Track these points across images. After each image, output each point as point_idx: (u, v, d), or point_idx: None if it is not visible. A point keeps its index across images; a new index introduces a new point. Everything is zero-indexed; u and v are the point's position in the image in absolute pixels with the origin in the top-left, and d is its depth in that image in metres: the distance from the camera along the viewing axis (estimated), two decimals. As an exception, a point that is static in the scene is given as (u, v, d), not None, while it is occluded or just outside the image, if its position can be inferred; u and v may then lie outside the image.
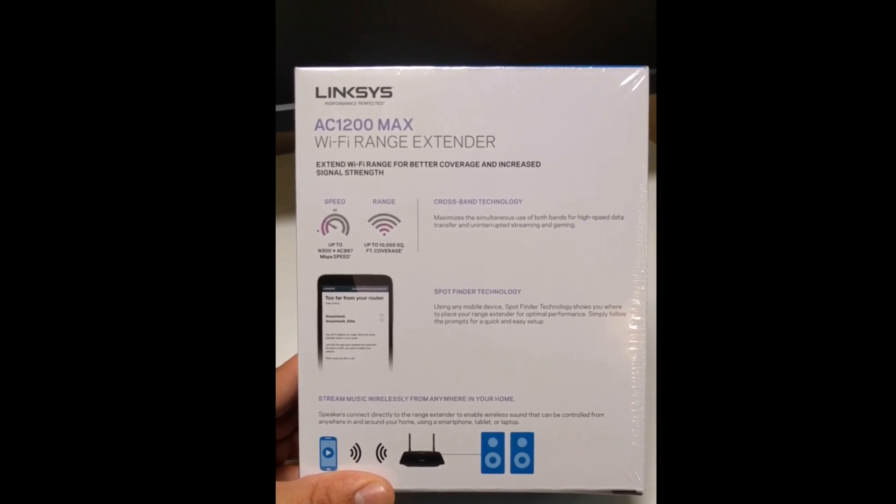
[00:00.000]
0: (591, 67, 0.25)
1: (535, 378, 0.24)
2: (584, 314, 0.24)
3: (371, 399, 0.25)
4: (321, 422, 0.25)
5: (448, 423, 0.25)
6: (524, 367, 0.24)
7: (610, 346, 0.24)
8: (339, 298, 0.25)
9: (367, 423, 0.25)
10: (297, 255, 0.25)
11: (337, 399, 0.25)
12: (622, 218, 0.24)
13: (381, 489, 0.23)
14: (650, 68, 0.24)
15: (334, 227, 0.25)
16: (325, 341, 0.25)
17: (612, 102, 0.24)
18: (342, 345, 0.25)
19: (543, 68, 0.25)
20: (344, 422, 0.25)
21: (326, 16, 0.41)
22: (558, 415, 0.24)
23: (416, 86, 0.25)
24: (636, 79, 0.24)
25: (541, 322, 0.25)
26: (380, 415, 0.25)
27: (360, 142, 0.25)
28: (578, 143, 0.25)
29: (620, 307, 0.24)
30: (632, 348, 0.24)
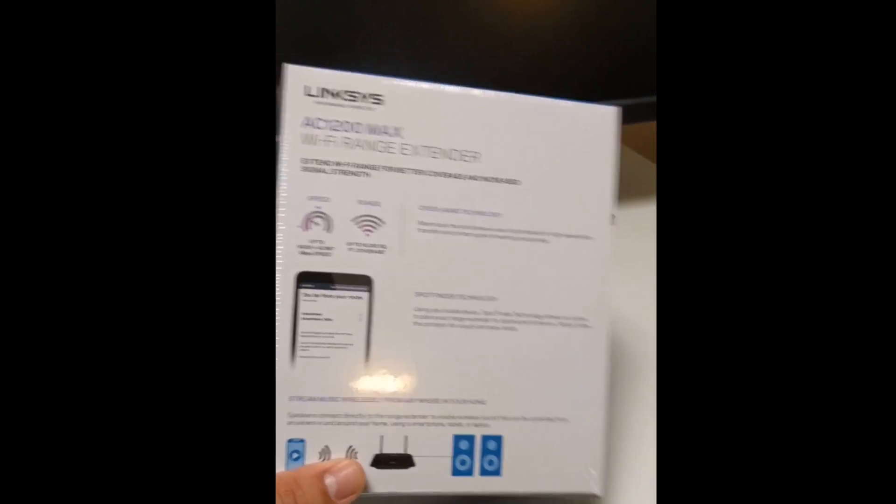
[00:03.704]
0: (567, 101, 0.27)
1: (507, 382, 0.26)
2: (553, 324, 0.26)
3: (344, 399, 0.24)
4: (290, 423, 0.24)
5: (421, 424, 0.25)
6: (498, 371, 0.25)
7: (576, 356, 0.26)
8: (317, 296, 0.25)
9: (339, 424, 0.24)
10: (277, 250, 0.24)
11: (308, 399, 0.24)
12: (590, 238, 0.27)
13: (352, 469, 0.23)
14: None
15: (317, 223, 0.25)
16: (299, 339, 0.24)
17: (584, 135, 0.27)
18: (317, 343, 0.24)
19: (526, 97, 0.27)
20: (314, 423, 0.24)
21: (315, 20, 0.41)
22: (526, 419, 0.25)
23: (409, 98, 0.26)
24: (605, 117, 0.27)
25: (514, 329, 0.26)
26: (352, 416, 0.24)
27: (347, 143, 0.25)
28: (553, 168, 0.27)
29: (587, 320, 0.26)
30: (595, 358, 0.26)
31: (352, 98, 0.26)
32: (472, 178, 0.26)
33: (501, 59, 0.46)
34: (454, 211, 0.26)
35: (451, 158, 0.26)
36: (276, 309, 0.24)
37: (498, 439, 0.25)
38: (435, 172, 0.26)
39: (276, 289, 0.24)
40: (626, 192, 0.63)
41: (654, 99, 0.43)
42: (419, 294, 0.25)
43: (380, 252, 0.25)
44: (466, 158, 0.26)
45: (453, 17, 0.45)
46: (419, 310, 0.25)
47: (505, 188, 0.26)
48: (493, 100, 0.26)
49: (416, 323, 0.25)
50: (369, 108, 0.26)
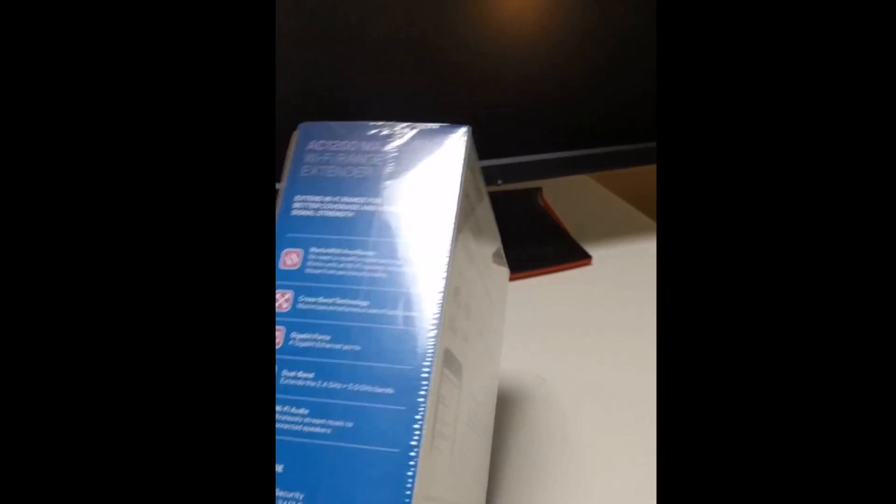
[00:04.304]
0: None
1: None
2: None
3: (429, 499, 0.21)
4: (421, 532, 0.19)
5: None
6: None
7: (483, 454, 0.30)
8: (450, 380, 0.21)
9: None
10: (431, 319, 0.20)
11: (432, 501, 0.20)
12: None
13: None
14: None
15: (457, 302, 0.22)
16: (437, 426, 0.20)
17: None
18: (441, 433, 0.21)
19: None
20: (427, 532, 0.19)
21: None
22: None
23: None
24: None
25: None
26: (439, 523, 0.21)
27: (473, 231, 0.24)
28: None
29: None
30: None
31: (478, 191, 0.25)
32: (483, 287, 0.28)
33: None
34: (481, 316, 0.27)
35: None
36: (423, 388, 0.20)
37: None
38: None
39: (426, 362, 0.20)
40: (607, 233, 0.63)
41: (629, 147, 0.50)
42: (473, 398, 0.25)
43: (465, 340, 0.24)
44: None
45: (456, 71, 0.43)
46: (470, 413, 0.25)
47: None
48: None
49: (466, 425, 0.24)
50: (480, 201, 0.26)
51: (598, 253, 0.60)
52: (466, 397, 0.24)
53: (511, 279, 0.55)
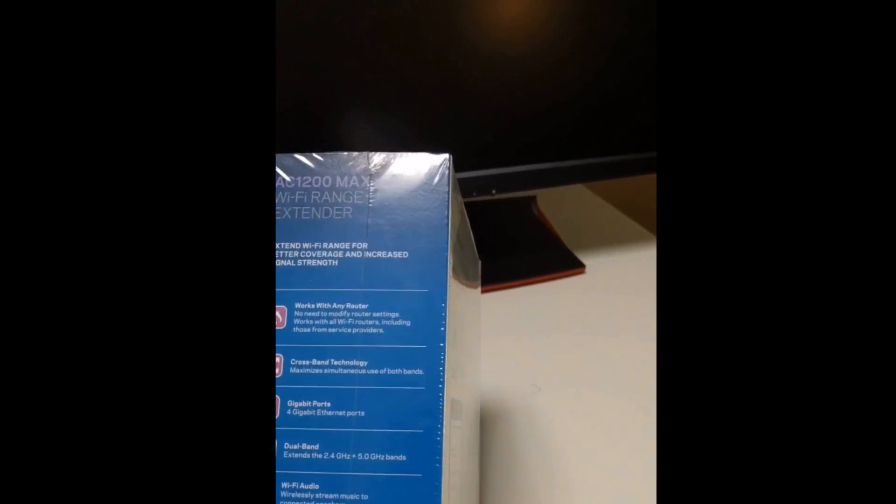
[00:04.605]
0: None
1: None
2: None
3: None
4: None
5: None
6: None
7: None
8: (456, 426, 0.21)
9: None
10: (440, 371, 0.20)
11: (451, 557, 0.19)
12: None
13: None
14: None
15: (453, 343, 0.21)
16: (450, 479, 0.20)
17: None
18: (454, 485, 0.20)
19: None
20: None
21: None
22: None
23: None
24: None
25: None
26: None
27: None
28: None
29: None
30: None
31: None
32: None
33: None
34: None
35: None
36: (437, 451, 0.19)
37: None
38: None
39: (438, 424, 0.19)
40: (601, 242, 0.62)
41: (623, 157, 0.50)
42: (468, 421, 0.24)
43: (462, 376, 0.23)
44: None
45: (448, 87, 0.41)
46: (466, 437, 0.24)
47: None
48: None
49: (468, 451, 0.24)
50: (463, 222, 0.24)
51: (592, 261, 0.59)
52: (465, 427, 0.24)
53: (505, 287, 0.54)
